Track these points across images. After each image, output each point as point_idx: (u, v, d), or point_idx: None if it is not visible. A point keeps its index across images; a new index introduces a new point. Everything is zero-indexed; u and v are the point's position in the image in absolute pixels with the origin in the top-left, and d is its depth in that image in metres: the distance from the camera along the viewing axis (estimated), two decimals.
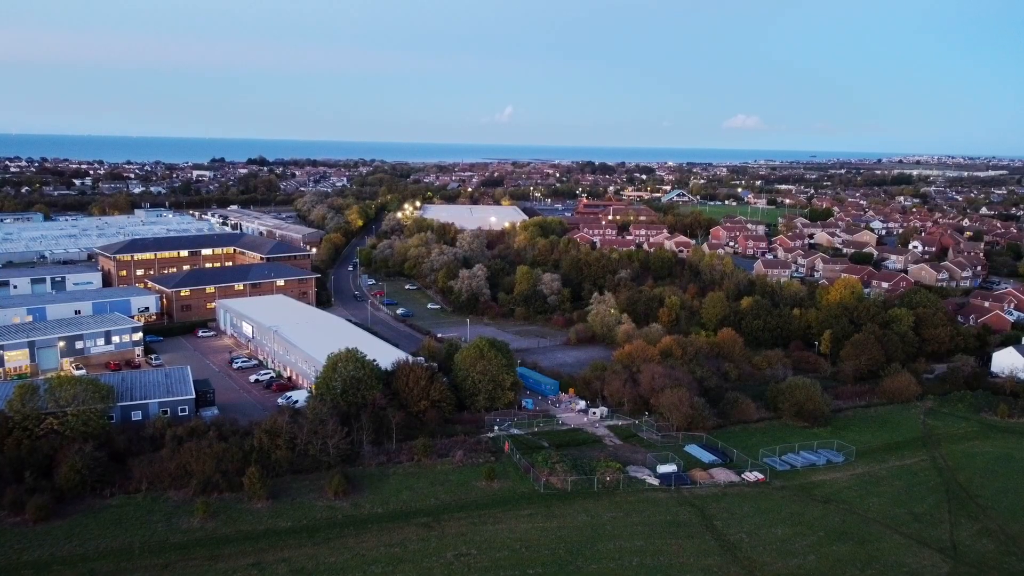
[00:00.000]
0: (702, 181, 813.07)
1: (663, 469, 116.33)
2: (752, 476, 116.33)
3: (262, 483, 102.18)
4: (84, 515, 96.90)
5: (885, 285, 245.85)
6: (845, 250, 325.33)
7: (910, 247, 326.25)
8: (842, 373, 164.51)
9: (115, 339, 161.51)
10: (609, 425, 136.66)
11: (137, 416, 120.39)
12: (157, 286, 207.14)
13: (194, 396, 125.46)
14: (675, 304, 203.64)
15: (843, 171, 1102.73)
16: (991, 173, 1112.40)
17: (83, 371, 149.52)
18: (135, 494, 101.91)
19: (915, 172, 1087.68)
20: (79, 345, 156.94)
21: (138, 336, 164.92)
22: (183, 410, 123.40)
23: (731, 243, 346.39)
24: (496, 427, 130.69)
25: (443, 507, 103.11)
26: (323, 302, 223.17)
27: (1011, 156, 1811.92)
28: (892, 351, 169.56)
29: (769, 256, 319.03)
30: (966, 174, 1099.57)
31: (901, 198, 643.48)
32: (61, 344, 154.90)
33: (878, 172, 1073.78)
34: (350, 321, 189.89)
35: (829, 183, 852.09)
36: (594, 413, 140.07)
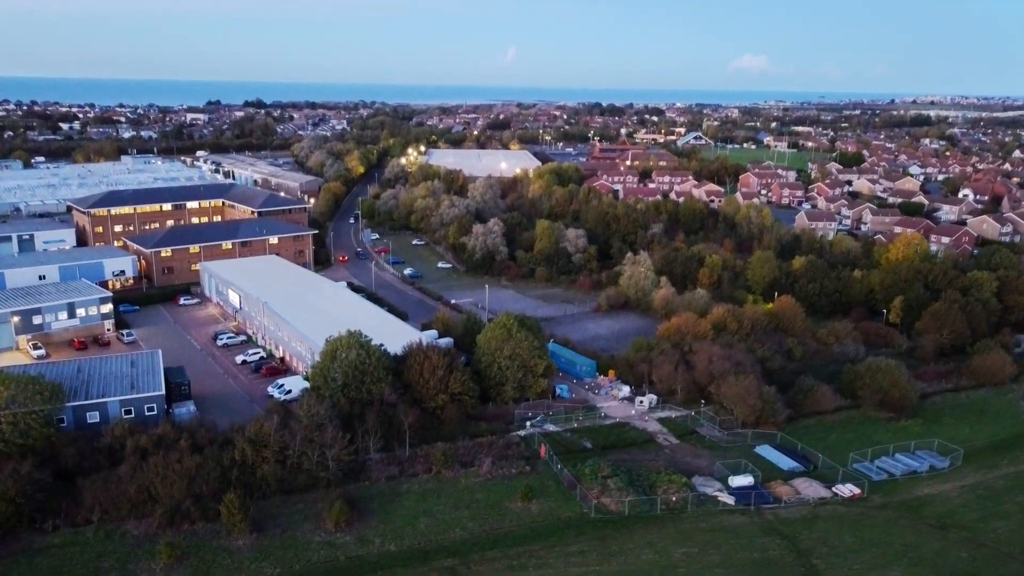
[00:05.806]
0: (716, 123, 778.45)
1: (737, 482, 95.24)
2: (847, 490, 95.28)
3: (243, 512, 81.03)
4: (15, 559, 75.98)
5: (946, 240, 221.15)
6: (891, 199, 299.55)
7: (961, 195, 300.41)
8: (921, 349, 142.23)
9: (80, 312, 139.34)
10: (660, 418, 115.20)
11: (94, 418, 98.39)
12: (135, 245, 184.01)
13: (164, 392, 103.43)
14: (716, 264, 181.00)
15: (858, 112, 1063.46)
16: (1011, 114, 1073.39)
17: (42, 351, 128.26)
18: (84, 527, 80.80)
19: (932, 113, 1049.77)
20: (37, 320, 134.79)
21: (107, 308, 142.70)
22: (151, 409, 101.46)
23: (763, 191, 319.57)
24: (528, 423, 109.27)
25: (471, 541, 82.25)
26: (321, 262, 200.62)
27: None
28: (975, 322, 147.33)
29: (808, 206, 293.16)
30: (984, 115, 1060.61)
31: (927, 140, 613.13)
32: (15, 320, 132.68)
33: (895, 113, 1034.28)
34: (351, 285, 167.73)
35: (847, 125, 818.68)
36: (641, 402, 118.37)
